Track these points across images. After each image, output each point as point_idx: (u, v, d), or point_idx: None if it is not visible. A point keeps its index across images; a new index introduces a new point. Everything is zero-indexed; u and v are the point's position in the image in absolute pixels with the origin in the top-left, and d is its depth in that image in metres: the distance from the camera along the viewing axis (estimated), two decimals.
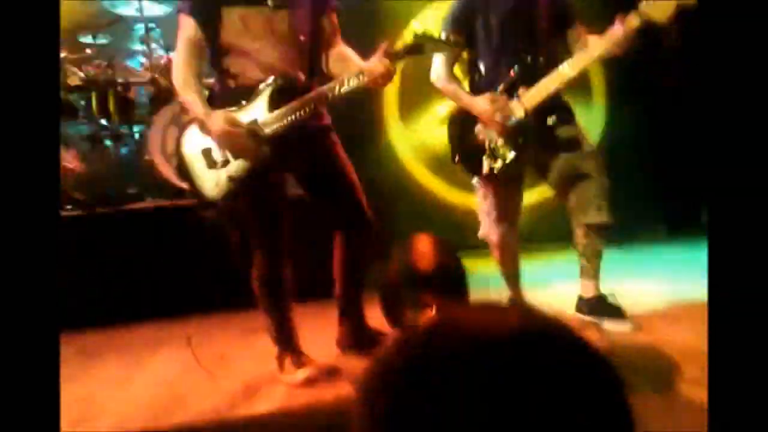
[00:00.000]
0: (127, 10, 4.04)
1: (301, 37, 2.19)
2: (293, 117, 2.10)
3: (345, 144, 2.41)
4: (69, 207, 3.54)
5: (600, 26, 2.36)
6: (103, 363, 2.76)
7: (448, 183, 4.14)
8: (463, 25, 2.54)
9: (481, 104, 2.48)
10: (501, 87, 2.49)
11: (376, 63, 2.06)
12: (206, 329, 3.04)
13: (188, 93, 2.12)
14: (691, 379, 2.01)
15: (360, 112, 3.92)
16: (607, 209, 2.51)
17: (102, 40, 4.06)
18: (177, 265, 3.31)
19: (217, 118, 2.07)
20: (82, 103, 3.93)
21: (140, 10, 3.97)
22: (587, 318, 2.61)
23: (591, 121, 4.27)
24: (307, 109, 2.11)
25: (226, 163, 2.12)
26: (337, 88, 2.09)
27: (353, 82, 2.07)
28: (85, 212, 3.44)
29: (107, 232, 3.36)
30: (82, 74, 3.85)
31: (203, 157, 2.15)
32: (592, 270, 2.59)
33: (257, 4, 2.14)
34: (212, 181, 2.14)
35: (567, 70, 2.38)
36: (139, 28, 4.03)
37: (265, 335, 2.37)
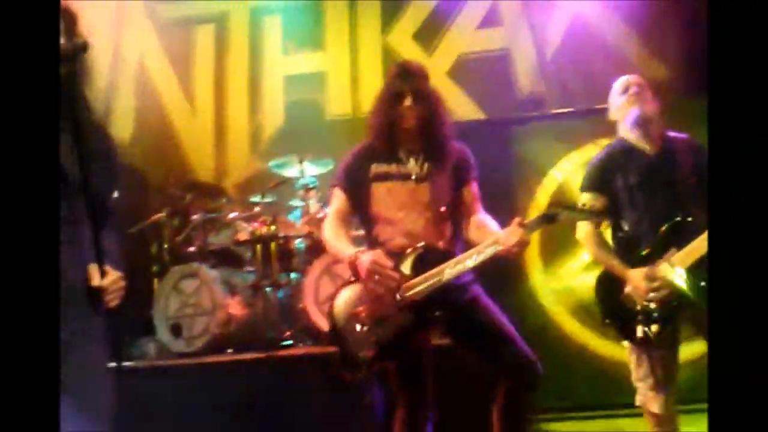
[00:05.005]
0: (292, 172, 4.57)
1: (442, 208, 2.35)
2: (434, 281, 2.22)
3: (484, 291, 2.41)
4: (230, 351, 3.87)
5: None
6: None
7: (596, 333, 3.95)
8: (601, 187, 2.53)
9: (635, 279, 2.41)
10: (647, 249, 2.44)
11: (511, 233, 2.16)
12: None
13: (337, 242, 2.34)
14: None
15: (500, 259, 3.94)
16: None
17: (269, 199, 4.57)
18: (325, 411, 3.41)
19: (368, 255, 2.22)
20: (248, 254, 4.39)
21: (302, 172, 4.48)
22: None
23: None
24: (448, 276, 2.21)
25: (379, 321, 2.22)
26: (473, 257, 2.21)
27: (489, 251, 2.19)
28: (241, 357, 3.73)
29: (260, 376, 3.56)
30: (250, 229, 4.33)
31: (354, 317, 2.26)
32: None
33: (403, 179, 2.36)
34: (361, 344, 2.24)
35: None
36: (299, 186, 4.50)
37: None
